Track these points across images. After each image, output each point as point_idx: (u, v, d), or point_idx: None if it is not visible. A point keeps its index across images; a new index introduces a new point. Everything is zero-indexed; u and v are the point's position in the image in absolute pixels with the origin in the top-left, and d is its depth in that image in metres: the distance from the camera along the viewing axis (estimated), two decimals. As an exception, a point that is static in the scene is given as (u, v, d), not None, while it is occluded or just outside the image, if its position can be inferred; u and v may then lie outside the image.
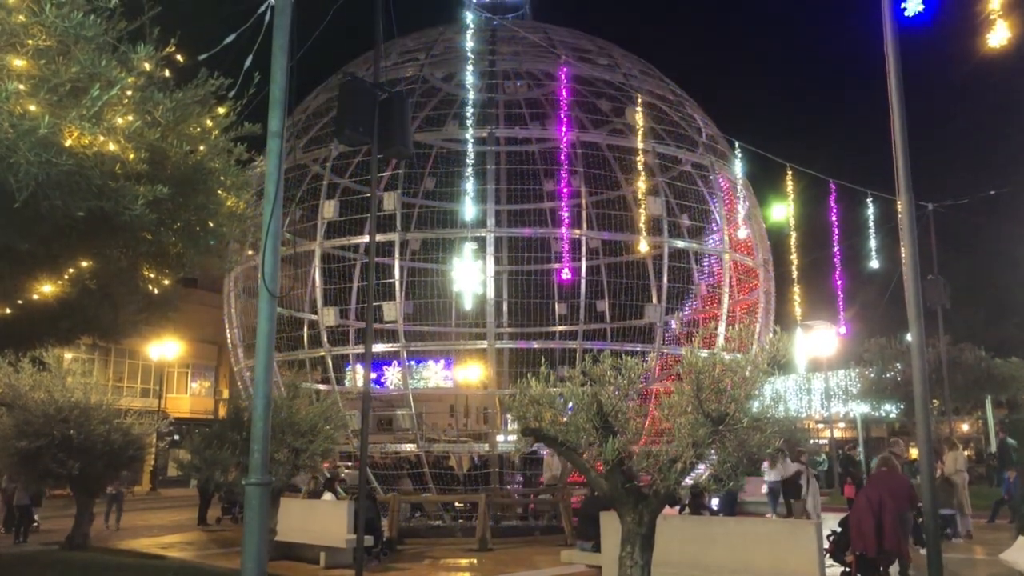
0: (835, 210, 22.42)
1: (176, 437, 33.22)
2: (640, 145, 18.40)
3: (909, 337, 9.45)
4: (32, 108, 6.01)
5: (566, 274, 18.03)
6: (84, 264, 8.70)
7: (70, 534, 14.92)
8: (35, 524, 18.41)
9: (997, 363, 25.65)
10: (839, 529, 11.19)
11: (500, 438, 18.73)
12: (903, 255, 9.06)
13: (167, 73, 7.35)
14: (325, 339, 18.49)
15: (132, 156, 6.78)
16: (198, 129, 7.73)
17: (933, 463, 8.83)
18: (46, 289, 8.76)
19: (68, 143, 6.20)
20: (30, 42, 6.11)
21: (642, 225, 18.17)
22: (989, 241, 37.34)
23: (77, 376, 14.81)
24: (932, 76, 65.66)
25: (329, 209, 18.33)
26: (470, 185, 17.66)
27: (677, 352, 17.28)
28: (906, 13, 9.31)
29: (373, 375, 20.62)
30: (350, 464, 20.76)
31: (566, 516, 15.82)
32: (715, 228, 19.91)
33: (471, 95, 18.79)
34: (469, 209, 17.70)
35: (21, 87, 5.97)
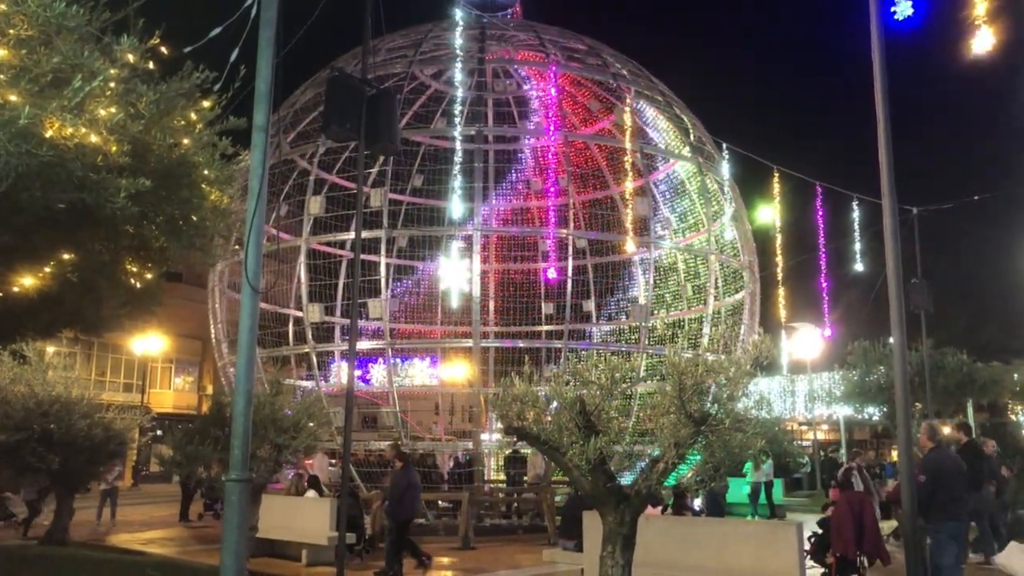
0: (821, 213, 22.58)
1: (159, 432, 32.97)
2: (628, 145, 18.42)
3: (892, 340, 9.48)
4: (12, 98, 5.93)
5: (552, 273, 18.04)
6: (65, 257, 8.58)
7: (49, 529, 14.78)
8: (13, 518, 18.25)
9: (979, 367, 25.79)
10: (820, 530, 11.27)
11: (485, 436, 18.71)
12: (887, 259, 9.08)
13: (151, 65, 7.25)
14: (310, 335, 18.43)
15: (114, 148, 6.71)
16: (182, 122, 7.66)
17: (913, 466, 8.85)
18: (26, 282, 8.63)
19: (49, 134, 6.12)
20: (11, 31, 6.03)
21: (629, 225, 18.21)
22: (973, 245, 37.71)
23: (59, 370, 14.67)
24: (920, 80, 66.12)
25: (315, 205, 18.26)
26: (458, 183, 17.63)
27: (661, 352, 17.32)
28: (896, 17, 9.32)
29: (358, 372, 20.54)
30: (334, 461, 20.70)
31: (549, 515, 15.82)
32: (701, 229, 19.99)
33: (460, 92, 18.76)
34: (456, 207, 17.67)
35: (1, 77, 5.90)
